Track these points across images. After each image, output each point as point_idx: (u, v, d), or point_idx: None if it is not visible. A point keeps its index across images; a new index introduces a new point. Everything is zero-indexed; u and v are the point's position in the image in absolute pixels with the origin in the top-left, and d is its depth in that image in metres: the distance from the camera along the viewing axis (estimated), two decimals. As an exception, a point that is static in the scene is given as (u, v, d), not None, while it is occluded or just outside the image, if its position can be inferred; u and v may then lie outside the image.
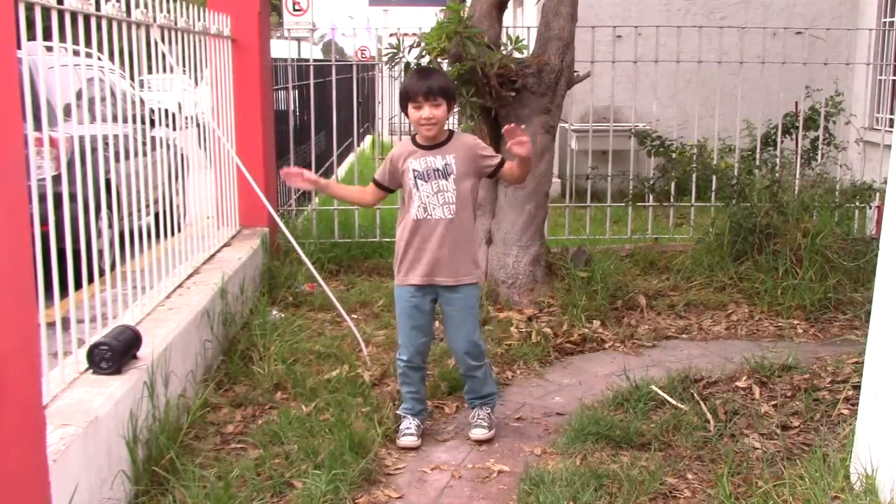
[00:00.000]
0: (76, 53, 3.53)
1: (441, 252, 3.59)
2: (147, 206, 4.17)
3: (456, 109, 4.73)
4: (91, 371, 3.14)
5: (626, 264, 6.13)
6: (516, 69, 5.28)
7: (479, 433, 3.74)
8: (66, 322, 3.15)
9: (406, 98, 3.55)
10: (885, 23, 8.57)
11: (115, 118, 4.09)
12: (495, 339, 4.81)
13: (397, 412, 3.82)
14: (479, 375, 3.78)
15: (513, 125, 3.47)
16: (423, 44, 5.29)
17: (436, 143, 3.61)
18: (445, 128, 3.65)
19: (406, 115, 3.59)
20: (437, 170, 3.58)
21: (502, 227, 5.47)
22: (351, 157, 12.36)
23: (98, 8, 3.45)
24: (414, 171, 3.60)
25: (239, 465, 3.32)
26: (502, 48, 5.37)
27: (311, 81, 7.86)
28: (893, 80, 8.31)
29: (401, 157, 3.66)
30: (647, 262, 6.41)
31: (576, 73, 5.65)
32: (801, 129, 6.97)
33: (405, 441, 3.68)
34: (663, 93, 7.59)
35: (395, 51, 5.49)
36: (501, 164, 3.67)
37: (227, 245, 5.50)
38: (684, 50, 6.98)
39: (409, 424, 3.74)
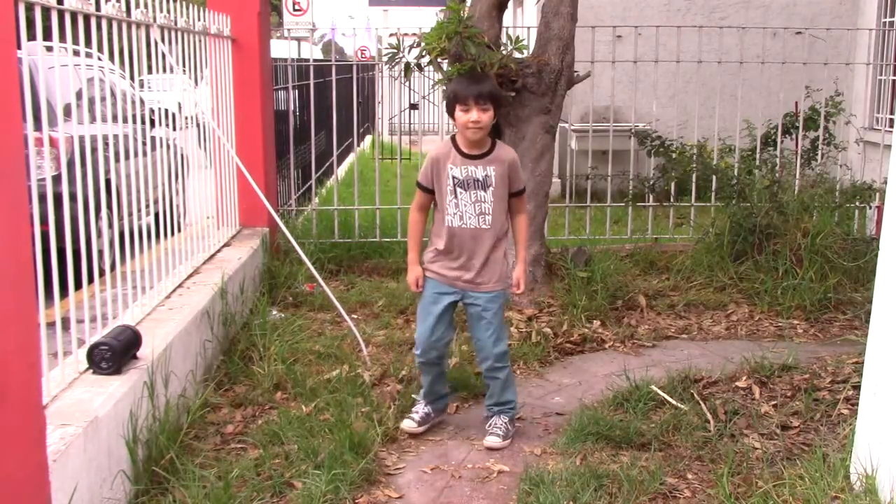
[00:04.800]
0: (76, 53, 3.53)
1: (474, 261, 3.64)
2: (147, 206, 4.17)
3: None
4: (91, 371, 3.14)
5: (626, 264, 6.12)
6: (516, 69, 5.27)
7: (492, 441, 3.69)
8: (66, 322, 3.14)
9: (455, 101, 3.54)
10: (885, 23, 8.57)
11: (115, 118, 4.09)
12: (495, 339, 4.80)
13: (413, 396, 3.91)
14: (502, 377, 3.76)
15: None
16: (423, 44, 5.29)
17: (478, 154, 3.61)
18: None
19: (452, 117, 3.59)
20: (477, 180, 3.60)
21: (502, 227, 5.46)
22: (351, 157, 12.36)
23: (98, 8, 3.45)
24: (454, 178, 3.61)
25: (239, 465, 3.32)
26: (502, 48, 5.37)
27: (311, 81, 7.86)
28: (893, 80, 8.31)
29: (440, 159, 3.64)
30: (647, 262, 6.41)
31: (576, 73, 5.65)
32: (801, 129, 6.97)
33: (404, 424, 3.76)
34: (663, 93, 7.59)
35: (395, 51, 5.49)
36: (519, 192, 3.73)
37: (227, 245, 5.49)
38: (684, 50, 6.98)
39: (418, 409, 3.82)
